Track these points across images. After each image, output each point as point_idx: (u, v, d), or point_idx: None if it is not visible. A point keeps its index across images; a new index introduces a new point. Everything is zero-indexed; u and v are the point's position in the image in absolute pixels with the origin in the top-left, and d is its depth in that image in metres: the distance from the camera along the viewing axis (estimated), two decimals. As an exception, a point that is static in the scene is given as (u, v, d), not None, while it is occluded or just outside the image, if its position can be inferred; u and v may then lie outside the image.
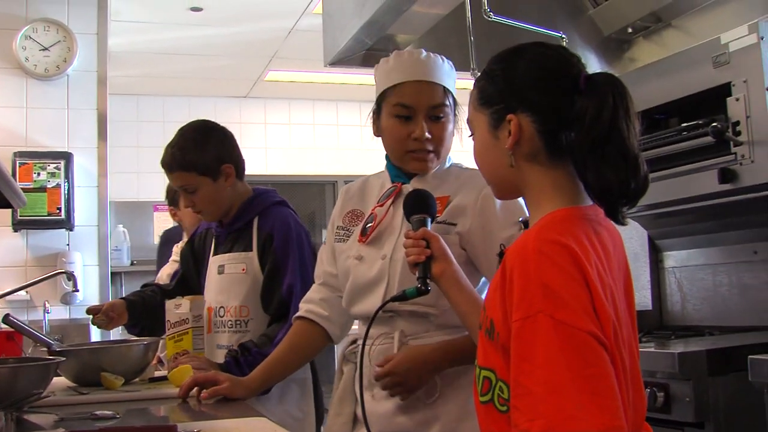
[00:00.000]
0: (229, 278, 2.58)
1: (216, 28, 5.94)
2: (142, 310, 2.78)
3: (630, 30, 3.88)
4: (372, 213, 2.02)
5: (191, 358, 2.41)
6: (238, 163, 2.66)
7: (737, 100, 2.56)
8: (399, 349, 1.88)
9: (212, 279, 2.64)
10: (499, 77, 1.42)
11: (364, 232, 2.00)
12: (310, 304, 2.16)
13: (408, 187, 1.98)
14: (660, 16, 3.75)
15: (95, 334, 4.90)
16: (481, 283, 1.94)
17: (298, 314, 2.18)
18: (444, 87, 2.00)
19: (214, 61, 6.76)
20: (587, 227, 1.31)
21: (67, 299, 4.88)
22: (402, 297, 1.74)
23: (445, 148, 2.02)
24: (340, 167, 8.22)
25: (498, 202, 1.85)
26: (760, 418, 2.21)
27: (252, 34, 6.08)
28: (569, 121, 1.33)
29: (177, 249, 3.77)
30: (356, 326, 2.17)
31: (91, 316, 2.75)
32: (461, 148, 2.06)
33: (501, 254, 1.39)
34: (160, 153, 2.63)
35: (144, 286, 2.95)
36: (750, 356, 2.20)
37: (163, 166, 2.61)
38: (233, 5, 5.50)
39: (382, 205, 2.01)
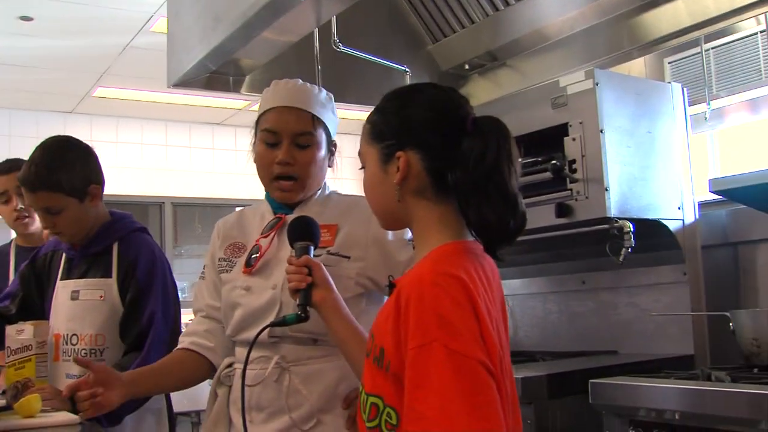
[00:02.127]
0: (85, 305, 2.48)
1: (46, 40, 5.73)
2: None
3: (467, 67, 4.06)
4: (257, 244, 2.02)
5: (38, 388, 2.30)
6: (103, 183, 2.57)
7: (574, 139, 2.74)
8: (273, 373, 1.90)
9: (63, 304, 2.52)
10: (391, 114, 1.48)
11: (249, 264, 1.99)
12: (193, 336, 2.10)
13: (291, 217, 1.98)
14: (495, 56, 3.95)
15: None
16: (364, 306, 1.97)
17: (180, 346, 2.11)
18: (313, 115, 2.01)
19: (40, 74, 6.50)
20: (474, 260, 1.39)
21: None
22: (281, 323, 1.76)
23: (312, 178, 2.03)
24: (168, 188, 8.07)
25: None
26: (596, 439, 2.37)
27: (84, 49, 5.90)
28: (455, 161, 1.40)
29: None
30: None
31: None
32: (333, 175, 2.10)
33: (390, 285, 1.44)
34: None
35: None
36: (591, 380, 2.36)
37: (23, 185, 2.45)
38: (67, 17, 5.32)
39: (266, 237, 2.01)
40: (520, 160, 1.44)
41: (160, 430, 2.51)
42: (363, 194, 1.58)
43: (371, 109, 1.55)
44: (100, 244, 2.55)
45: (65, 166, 2.45)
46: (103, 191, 2.56)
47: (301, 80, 2.05)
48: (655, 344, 2.97)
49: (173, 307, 2.50)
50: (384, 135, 1.48)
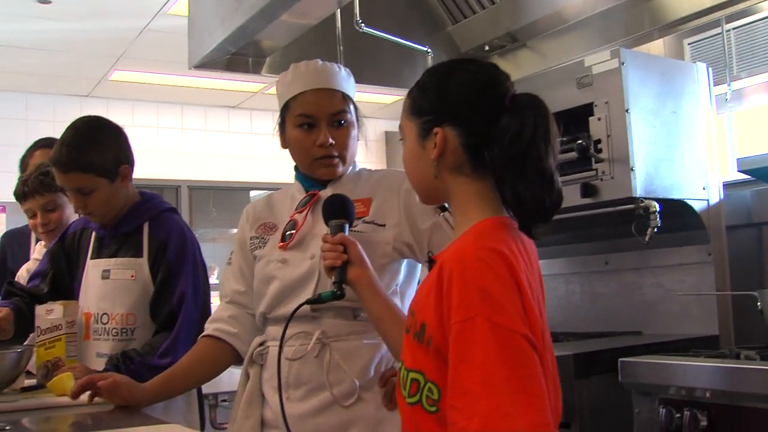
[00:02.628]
0: (116, 284, 2.49)
1: (62, 23, 5.73)
2: (19, 322, 2.56)
3: (487, 48, 4.05)
4: (292, 219, 2.03)
5: (69, 367, 2.32)
6: (133, 163, 2.59)
7: (599, 119, 2.74)
8: (313, 349, 1.90)
9: (93, 284, 2.54)
10: (430, 90, 1.48)
11: (284, 239, 2.00)
12: (218, 323, 2.10)
13: (326, 193, 2.00)
14: (516, 37, 3.94)
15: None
16: (401, 279, 1.99)
17: (205, 333, 2.11)
18: (343, 93, 2.03)
19: (57, 58, 6.51)
20: (514, 235, 1.39)
21: None
22: (318, 300, 1.78)
23: (350, 153, 2.05)
24: (184, 172, 8.09)
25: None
26: (624, 417, 2.38)
27: (101, 32, 5.91)
28: (492, 137, 1.40)
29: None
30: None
31: None
32: (364, 159, 2.10)
33: (430, 260, 1.44)
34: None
35: (9, 284, 2.71)
36: (621, 359, 2.37)
37: (54, 165, 2.46)
38: (84, 0, 5.32)
39: (300, 212, 2.02)
40: (558, 138, 1.44)
41: (189, 411, 2.51)
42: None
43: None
44: (131, 224, 2.56)
45: (96, 146, 2.46)
46: (133, 171, 2.58)
47: (320, 60, 2.06)
48: (680, 325, 2.98)
49: (203, 287, 2.51)
50: (422, 110, 1.48)
